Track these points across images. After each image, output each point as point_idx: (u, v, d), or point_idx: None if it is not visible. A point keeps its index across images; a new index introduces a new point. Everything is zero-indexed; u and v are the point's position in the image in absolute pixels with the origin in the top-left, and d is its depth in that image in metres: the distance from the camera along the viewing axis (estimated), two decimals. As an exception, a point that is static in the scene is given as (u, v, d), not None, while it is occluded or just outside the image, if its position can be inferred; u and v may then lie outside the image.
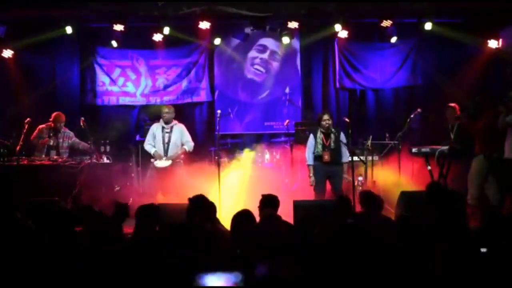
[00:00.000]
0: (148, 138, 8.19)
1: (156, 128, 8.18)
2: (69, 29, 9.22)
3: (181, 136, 8.14)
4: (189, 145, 8.15)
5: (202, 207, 4.81)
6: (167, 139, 8.07)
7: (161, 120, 8.19)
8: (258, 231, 4.23)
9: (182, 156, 8.16)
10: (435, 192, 5.42)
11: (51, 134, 8.29)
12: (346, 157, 7.55)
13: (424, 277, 2.87)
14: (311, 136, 7.74)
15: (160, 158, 7.98)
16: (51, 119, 8.34)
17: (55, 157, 8.12)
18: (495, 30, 9.65)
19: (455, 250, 2.88)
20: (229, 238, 4.29)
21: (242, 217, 4.37)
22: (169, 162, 7.96)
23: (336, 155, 7.57)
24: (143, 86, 10.22)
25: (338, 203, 5.36)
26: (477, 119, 7.29)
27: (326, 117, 7.59)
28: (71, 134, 8.45)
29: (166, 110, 8.20)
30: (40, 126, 8.35)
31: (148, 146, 8.15)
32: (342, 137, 7.60)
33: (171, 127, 8.13)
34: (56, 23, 9.24)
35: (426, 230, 3.54)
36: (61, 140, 8.33)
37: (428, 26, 9.45)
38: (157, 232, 4.18)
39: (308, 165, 7.71)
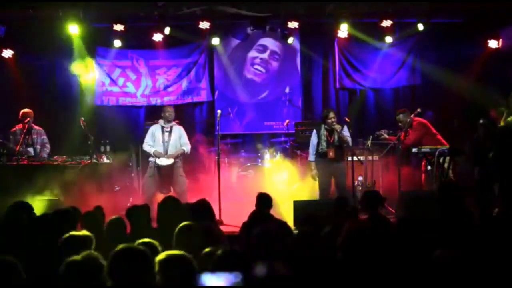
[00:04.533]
0: (147, 138, 8.16)
1: (155, 129, 8.15)
2: (69, 29, 9.22)
3: (179, 137, 8.13)
4: (188, 147, 8.15)
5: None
6: (166, 138, 8.05)
7: (160, 121, 8.18)
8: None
9: (181, 157, 8.16)
10: (449, 192, 5.20)
11: (25, 133, 8.17)
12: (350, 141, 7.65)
13: (423, 279, 2.86)
14: (314, 132, 7.75)
15: (161, 156, 7.96)
16: (20, 118, 8.27)
17: (55, 157, 8.12)
18: (495, 30, 9.65)
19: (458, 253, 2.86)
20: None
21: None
22: (171, 160, 7.93)
23: (340, 151, 7.59)
24: (144, 86, 10.20)
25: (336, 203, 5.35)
26: None
27: (332, 115, 7.62)
28: (42, 131, 8.41)
29: (169, 109, 8.25)
30: (12, 129, 8.32)
31: (147, 146, 8.11)
32: (345, 129, 7.64)
33: (171, 127, 8.12)
34: (56, 24, 9.24)
35: (428, 232, 3.53)
36: (35, 136, 8.29)
37: (420, 26, 9.45)
38: (151, 232, 4.19)
39: (309, 161, 7.74)
